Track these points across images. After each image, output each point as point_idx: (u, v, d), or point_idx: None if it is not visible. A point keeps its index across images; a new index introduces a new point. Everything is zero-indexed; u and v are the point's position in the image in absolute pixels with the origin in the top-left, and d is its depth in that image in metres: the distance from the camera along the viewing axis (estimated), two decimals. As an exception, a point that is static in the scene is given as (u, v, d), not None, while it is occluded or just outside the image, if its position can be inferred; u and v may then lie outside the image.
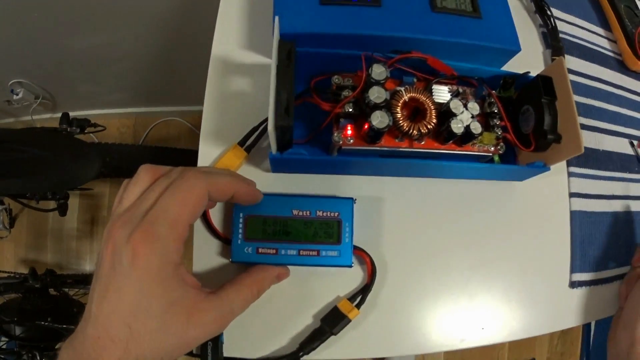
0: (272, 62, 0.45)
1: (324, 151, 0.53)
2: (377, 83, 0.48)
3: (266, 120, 0.51)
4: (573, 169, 0.65)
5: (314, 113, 0.51)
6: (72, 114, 1.52)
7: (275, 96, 0.43)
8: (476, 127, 0.50)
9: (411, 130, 0.48)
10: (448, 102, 0.50)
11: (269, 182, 0.53)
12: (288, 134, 0.46)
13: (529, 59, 0.66)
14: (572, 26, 0.75)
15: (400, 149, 0.51)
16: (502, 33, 0.58)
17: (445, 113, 0.50)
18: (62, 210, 0.99)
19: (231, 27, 0.59)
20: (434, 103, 0.50)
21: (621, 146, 0.71)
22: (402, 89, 0.49)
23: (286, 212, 0.49)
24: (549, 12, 0.70)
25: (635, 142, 0.72)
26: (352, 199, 0.50)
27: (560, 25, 0.72)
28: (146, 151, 1.13)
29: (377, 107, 0.47)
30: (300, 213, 0.49)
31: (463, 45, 0.57)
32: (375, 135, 0.48)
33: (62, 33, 1.18)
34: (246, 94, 0.55)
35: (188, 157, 1.27)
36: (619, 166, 0.69)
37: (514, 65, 0.60)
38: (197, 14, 1.12)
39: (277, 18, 0.47)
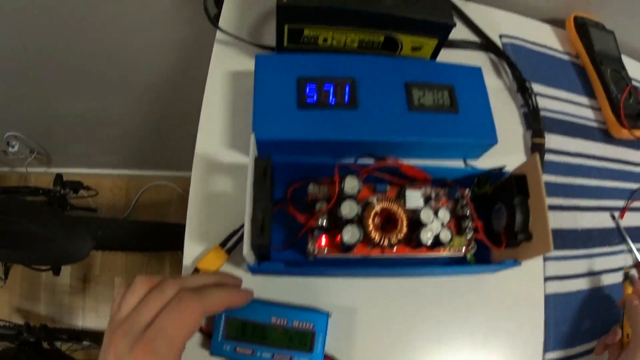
0: (247, 180, 0.47)
1: (301, 255, 0.55)
2: (350, 197, 0.50)
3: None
4: (549, 253, 0.66)
5: (291, 219, 0.53)
6: (65, 170, 1.56)
7: (251, 216, 0.45)
8: (446, 235, 0.52)
9: (382, 241, 0.50)
10: (419, 213, 0.52)
11: (247, 283, 0.54)
12: (264, 250, 0.48)
13: (508, 143, 0.67)
14: (555, 101, 0.76)
15: (372, 256, 0.53)
16: (480, 127, 0.60)
17: (416, 222, 0.52)
18: (56, 270, 1.03)
19: (214, 126, 0.61)
20: (406, 212, 0.52)
21: (602, 221, 0.72)
22: (374, 199, 0.51)
23: (265, 318, 0.51)
24: (530, 92, 0.71)
25: (616, 214, 0.73)
26: (327, 314, 0.52)
27: (543, 102, 0.74)
28: (137, 227, 1.16)
29: (349, 221, 0.49)
30: (278, 321, 0.51)
31: (440, 144, 0.59)
32: (347, 247, 0.50)
33: (55, 94, 1.21)
34: (228, 194, 0.57)
35: (177, 234, 1.31)
36: (599, 242, 0.70)
37: (492, 150, 0.62)
38: (186, 89, 1.14)
39: (252, 136, 0.49)
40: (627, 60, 0.85)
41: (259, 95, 0.55)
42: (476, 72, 0.63)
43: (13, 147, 1.45)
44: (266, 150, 0.56)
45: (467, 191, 0.58)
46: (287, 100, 0.55)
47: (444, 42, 0.61)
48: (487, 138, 0.60)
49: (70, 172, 1.71)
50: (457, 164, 0.64)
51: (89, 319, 1.64)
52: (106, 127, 1.41)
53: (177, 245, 1.34)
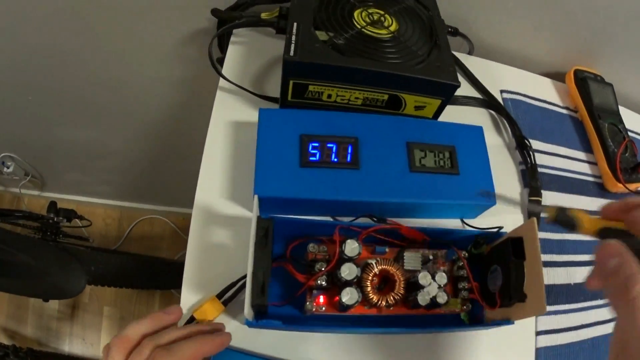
0: (250, 240, 0.47)
1: (298, 310, 0.55)
2: (350, 259, 0.50)
3: (243, 277, 0.53)
4: (542, 310, 0.66)
5: (289, 275, 0.53)
6: (59, 196, 1.56)
7: (252, 276, 0.46)
8: (442, 298, 0.53)
9: (379, 302, 0.51)
10: (417, 275, 0.52)
11: (243, 334, 0.54)
12: (263, 309, 0.48)
13: (506, 201, 0.68)
14: (552, 157, 0.77)
15: (370, 315, 0.53)
16: (479, 188, 0.60)
17: (413, 283, 0.53)
18: (45, 298, 1.02)
19: (214, 176, 0.61)
20: (404, 273, 0.52)
21: None
22: (374, 262, 0.52)
23: (257, 377, 0.51)
24: (529, 149, 0.72)
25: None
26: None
27: (541, 158, 0.74)
28: (130, 263, 1.16)
29: (348, 283, 0.50)
30: (270, 378, 0.51)
31: (439, 205, 0.59)
32: (345, 307, 0.50)
33: (52, 121, 1.21)
34: (226, 246, 0.57)
35: (170, 273, 1.31)
36: (591, 295, 0.71)
37: (490, 208, 0.62)
38: (185, 127, 1.15)
39: (255, 198, 0.49)
40: (625, 112, 0.87)
41: (261, 151, 0.55)
42: (477, 131, 0.64)
43: (8, 167, 1.44)
44: (267, 206, 0.56)
45: (463, 253, 0.59)
46: (290, 158, 0.56)
47: (448, 101, 0.62)
48: (486, 200, 0.60)
49: (64, 198, 1.71)
50: (454, 222, 0.65)
51: (76, 345, 1.62)
52: (103, 158, 1.41)
53: (169, 284, 1.34)
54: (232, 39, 0.71)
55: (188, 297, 0.56)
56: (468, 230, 0.59)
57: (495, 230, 0.57)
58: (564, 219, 0.39)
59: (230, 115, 0.65)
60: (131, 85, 1.03)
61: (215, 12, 0.71)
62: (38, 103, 1.12)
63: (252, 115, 0.64)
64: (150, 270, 1.26)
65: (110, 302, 1.65)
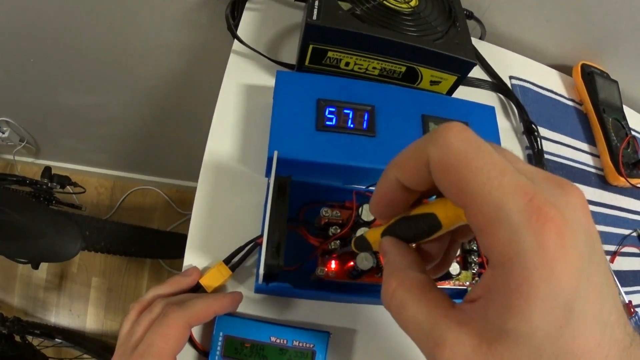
0: (268, 198, 0.46)
1: (307, 277, 0.54)
2: (365, 224, 0.50)
3: (250, 242, 0.52)
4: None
5: (301, 239, 0.52)
6: (53, 164, 1.54)
7: (267, 236, 0.45)
8: (455, 269, 0.52)
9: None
10: (429, 244, 0.52)
11: (251, 301, 0.54)
12: (277, 270, 0.47)
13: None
14: (557, 145, 0.78)
15: (380, 284, 0.53)
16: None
17: (425, 253, 0.52)
18: (35, 264, 1.00)
19: (224, 137, 0.60)
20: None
21: None
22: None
23: (264, 337, 0.50)
24: (536, 134, 0.72)
25: (607, 259, 0.75)
26: (328, 333, 0.51)
27: (546, 145, 0.75)
28: (125, 230, 1.15)
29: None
30: (278, 340, 0.50)
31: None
32: (358, 274, 0.50)
33: (53, 85, 1.19)
34: (234, 210, 0.56)
35: (164, 239, 1.30)
36: None
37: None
38: (189, 97, 1.13)
39: (275, 153, 0.49)
40: (628, 111, 0.88)
41: (277, 112, 0.54)
42: (490, 111, 0.63)
43: (4, 132, 1.42)
44: (279, 168, 0.55)
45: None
46: (306, 121, 0.55)
47: (464, 79, 0.62)
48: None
49: (58, 165, 1.68)
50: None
51: (62, 316, 1.60)
52: (100, 125, 1.39)
53: (162, 253, 1.32)
54: (248, 5, 0.70)
55: (191, 261, 0.54)
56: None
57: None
58: (360, 245, 0.38)
59: (244, 79, 0.64)
60: (135, 49, 1.01)
61: (231, -23, 0.70)
62: (38, 66, 1.09)
63: (265, 79, 0.63)
64: (144, 239, 1.24)
65: (98, 273, 1.63)
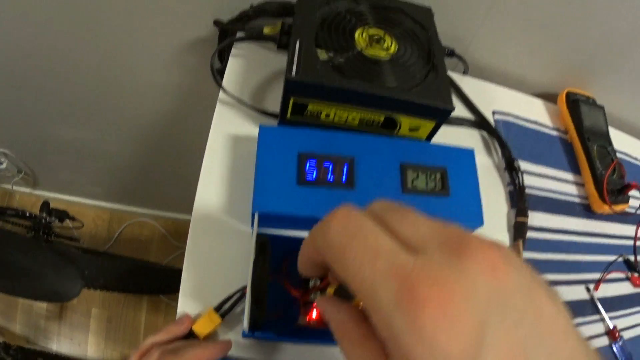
0: (250, 256, 0.49)
1: (293, 324, 0.56)
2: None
3: (239, 290, 0.55)
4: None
5: (284, 289, 0.55)
6: (50, 195, 1.55)
7: (250, 291, 0.47)
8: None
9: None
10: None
11: (241, 346, 0.56)
12: (260, 322, 0.50)
13: (493, 220, 0.70)
14: (541, 178, 0.79)
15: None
16: (468, 210, 0.62)
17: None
18: (40, 300, 1.04)
19: (212, 190, 0.62)
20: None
21: (577, 293, 0.75)
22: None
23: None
24: (517, 170, 0.74)
25: (591, 287, 0.76)
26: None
27: (529, 180, 0.77)
28: (123, 266, 1.18)
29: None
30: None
31: (429, 225, 0.61)
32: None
33: (49, 119, 1.21)
34: (223, 258, 0.59)
35: (161, 275, 1.32)
36: (572, 314, 0.73)
37: (478, 229, 0.63)
38: (180, 134, 1.15)
39: (256, 215, 0.51)
40: (616, 134, 0.90)
41: (260, 168, 0.56)
42: (469, 154, 0.65)
43: (1, 163, 1.44)
44: (264, 221, 0.57)
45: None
46: (288, 175, 0.57)
47: (442, 124, 0.63)
48: (474, 221, 0.62)
49: (55, 197, 1.71)
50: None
51: (64, 344, 1.62)
52: (96, 159, 1.41)
53: (160, 289, 1.35)
54: (233, 51, 0.72)
55: (185, 309, 0.57)
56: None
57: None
58: (342, 295, 0.38)
59: (230, 129, 0.66)
60: (128, 88, 1.03)
61: (217, 23, 0.72)
62: (34, 100, 1.12)
63: (251, 129, 0.65)
64: (142, 276, 1.27)
65: (98, 304, 1.65)
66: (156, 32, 0.86)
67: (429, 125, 0.64)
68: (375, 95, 0.58)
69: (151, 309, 1.66)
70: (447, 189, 0.61)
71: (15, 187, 1.66)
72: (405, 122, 0.63)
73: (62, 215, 1.21)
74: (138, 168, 1.43)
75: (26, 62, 0.98)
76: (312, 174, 0.57)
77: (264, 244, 0.51)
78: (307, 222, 0.57)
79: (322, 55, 0.60)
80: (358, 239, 0.23)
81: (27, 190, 1.71)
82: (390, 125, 0.63)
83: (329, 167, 0.58)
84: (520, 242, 0.54)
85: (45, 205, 1.20)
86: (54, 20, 0.85)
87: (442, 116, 0.62)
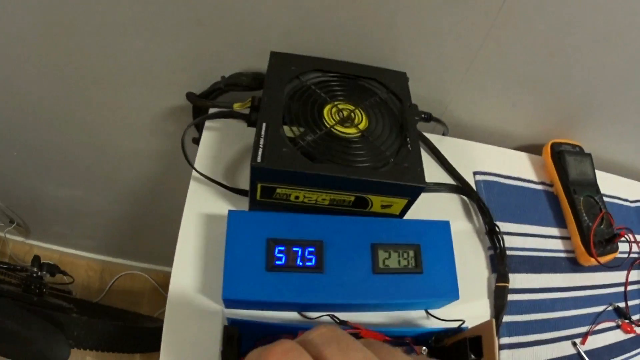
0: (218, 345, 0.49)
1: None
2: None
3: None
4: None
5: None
6: (43, 245, 1.59)
7: None
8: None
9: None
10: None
11: None
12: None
13: (473, 286, 0.69)
14: (524, 237, 0.78)
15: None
16: (443, 285, 0.61)
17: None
18: None
19: (187, 269, 0.62)
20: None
21: (563, 350, 0.73)
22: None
23: None
24: (498, 234, 0.73)
25: (578, 341, 0.74)
26: None
27: (512, 241, 0.76)
28: (113, 327, 1.19)
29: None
30: None
31: (402, 303, 0.61)
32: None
33: (38, 177, 1.23)
34: (200, 339, 0.58)
35: (152, 334, 1.33)
36: None
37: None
38: (165, 194, 1.17)
39: (222, 310, 0.51)
40: (606, 177, 0.90)
41: (230, 253, 0.56)
42: (444, 227, 0.64)
43: (-7, 214, 1.46)
44: (236, 304, 0.58)
45: (423, 348, 0.60)
46: (257, 261, 0.57)
47: (415, 200, 0.63)
48: (449, 296, 0.62)
49: (48, 247, 1.73)
50: (419, 312, 0.66)
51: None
52: (86, 216, 1.43)
53: (151, 348, 1.35)
54: (207, 124, 0.73)
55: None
56: (428, 329, 0.60)
57: (456, 326, 0.59)
58: None
59: (203, 207, 0.66)
60: (112, 154, 1.05)
61: (189, 96, 0.73)
62: (22, 159, 1.13)
63: (224, 208, 0.65)
64: (132, 337, 1.28)
65: (92, 353, 1.64)
66: (134, 102, 0.87)
67: (401, 202, 0.63)
68: (344, 178, 0.58)
69: (145, 357, 1.66)
70: (420, 266, 0.61)
71: (8, 236, 1.68)
72: (377, 201, 0.62)
73: (53, 269, 1.23)
74: (128, 224, 1.45)
75: (14, 124, 1.00)
76: (281, 259, 0.58)
77: (231, 336, 0.52)
78: (278, 306, 0.58)
79: (289, 132, 0.60)
80: None
81: (20, 239, 1.73)
82: (361, 204, 0.63)
83: (297, 251, 0.58)
84: (493, 321, 0.54)
85: (36, 259, 1.21)
86: (43, 89, 0.87)
87: (415, 193, 0.62)
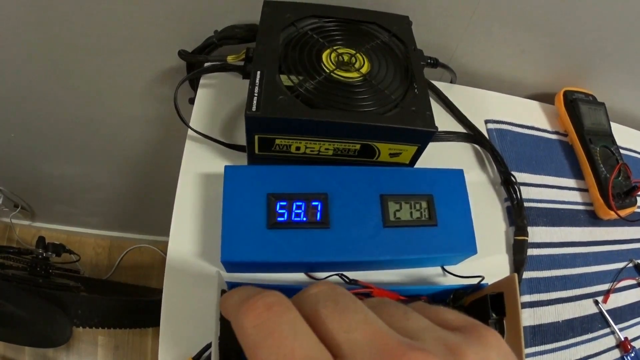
0: (215, 314, 0.45)
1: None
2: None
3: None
4: (529, 350, 0.64)
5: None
6: (49, 226, 1.56)
7: (217, 346, 0.44)
8: None
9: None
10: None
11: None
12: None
13: (491, 241, 0.65)
14: (540, 188, 0.74)
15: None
16: (459, 239, 0.57)
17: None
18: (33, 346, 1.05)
19: (185, 233, 0.59)
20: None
21: (585, 308, 0.69)
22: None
23: None
24: (514, 184, 0.69)
25: (599, 299, 0.71)
26: None
27: (528, 192, 0.72)
28: (117, 302, 1.17)
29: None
30: None
31: (416, 259, 0.57)
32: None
33: (37, 157, 1.21)
34: (200, 305, 0.55)
35: (156, 308, 1.31)
36: (580, 330, 0.68)
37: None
38: (164, 162, 1.14)
39: (218, 274, 0.47)
40: (620, 128, 0.84)
41: (227, 213, 0.52)
42: (458, 176, 0.60)
43: (-2, 199, 1.45)
44: (235, 267, 0.54)
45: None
46: (257, 219, 0.53)
47: (425, 147, 0.59)
48: (467, 250, 0.58)
49: (55, 228, 1.72)
50: (435, 269, 0.62)
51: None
52: (89, 191, 1.41)
53: (157, 322, 1.34)
54: (202, 81, 0.69)
55: (165, 357, 0.54)
56: (445, 286, 0.56)
57: (475, 282, 0.55)
58: None
59: (200, 167, 0.62)
60: (108, 124, 1.02)
61: (181, 54, 0.69)
62: (21, 140, 1.11)
63: (222, 167, 0.61)
64: (136, 312, 1.26)
65: (103, 331, 1.64)
66: (126, 67, 0.83)
67: (411, 149, 0.59)
68: (347, 124, 0.54)
69: (156, 334, 1.64)
70: (434, 218, 0.57)
71: (14, 221, 1.67)
72: (385, 149, 0.58)
73: (59, 249, 1.21)
74: (131, 196, 1.43)
75: (9, 104, 0.97)
76: (283, 215, 0.54)
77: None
78: (281, 266, 0.54)
79: (287, 81, 0.56)
80: (272, 339, 0.19)
81: (26, 223, 1.72)
82: (368, 154, 0.59)
83: (301, 206, 0.54)
84: (515, 275, 0.50)
85: (41, 240, 1.19)
86: (30, 65, 0.84)
87: (425, 139, 0.57)
